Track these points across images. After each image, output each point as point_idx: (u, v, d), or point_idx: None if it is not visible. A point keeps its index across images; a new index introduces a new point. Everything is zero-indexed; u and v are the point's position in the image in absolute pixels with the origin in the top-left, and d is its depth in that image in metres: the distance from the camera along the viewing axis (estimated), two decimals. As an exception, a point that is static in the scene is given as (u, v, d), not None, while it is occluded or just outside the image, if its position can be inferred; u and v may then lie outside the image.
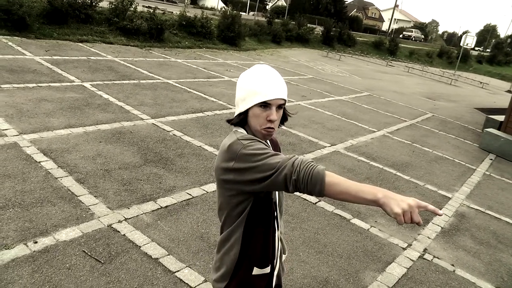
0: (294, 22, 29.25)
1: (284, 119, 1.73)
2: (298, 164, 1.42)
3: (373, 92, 14.84)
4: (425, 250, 4.43)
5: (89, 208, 3.93)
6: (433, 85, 21.91)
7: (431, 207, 1.28)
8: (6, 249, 3.16)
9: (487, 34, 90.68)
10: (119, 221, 3.81)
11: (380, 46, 36.42)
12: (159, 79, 9.85)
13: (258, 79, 1.60)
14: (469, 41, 33.06)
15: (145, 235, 3.68)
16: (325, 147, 7.19)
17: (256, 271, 1.72)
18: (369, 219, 4.86)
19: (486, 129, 9.82)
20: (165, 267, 3.32)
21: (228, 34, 19.20)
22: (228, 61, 15.33)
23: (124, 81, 8.91)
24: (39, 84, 7.42)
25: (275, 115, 1.58)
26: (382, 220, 4.90)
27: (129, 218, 3.89)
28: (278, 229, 1.79)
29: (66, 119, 6.01)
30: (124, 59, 11.47)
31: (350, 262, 3.91)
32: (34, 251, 3.19)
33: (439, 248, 4.53)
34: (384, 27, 67.00)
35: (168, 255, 3.47)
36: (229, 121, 1.72)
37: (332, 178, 1.38)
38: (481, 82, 27.23)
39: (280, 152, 1.91)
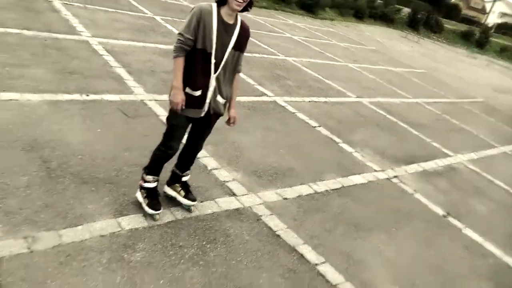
0: (381, 0, 28.74)
1: (251, 3, 2.75)
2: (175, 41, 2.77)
3: (430, 71, 14.64)
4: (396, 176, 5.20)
5: (131, 88, 5.22)
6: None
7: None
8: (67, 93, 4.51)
9: None
10: (150, 100, 5.05)
11: (469, 37, 34.53)
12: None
13: None
14: None
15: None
16: (351, 97, 7.97)
17: (188, 90, 2.85)
18: (357, 147, 5.70)
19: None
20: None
21: (306, 1, 19.81)
22: (298, 23, 16.05)
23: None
24: (117, 11, 8.84)
25: None
26: (368, 150, 5.69)
27: (158, 100, 5.10)
28: (215, 73, 2.85)
29: (131, 35, 7.40)
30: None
31: (319, 165, 4.90)
32: (84, 100, 4.55)
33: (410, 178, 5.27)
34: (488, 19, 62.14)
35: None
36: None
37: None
38: None
39: (248, 38, 2.98)
